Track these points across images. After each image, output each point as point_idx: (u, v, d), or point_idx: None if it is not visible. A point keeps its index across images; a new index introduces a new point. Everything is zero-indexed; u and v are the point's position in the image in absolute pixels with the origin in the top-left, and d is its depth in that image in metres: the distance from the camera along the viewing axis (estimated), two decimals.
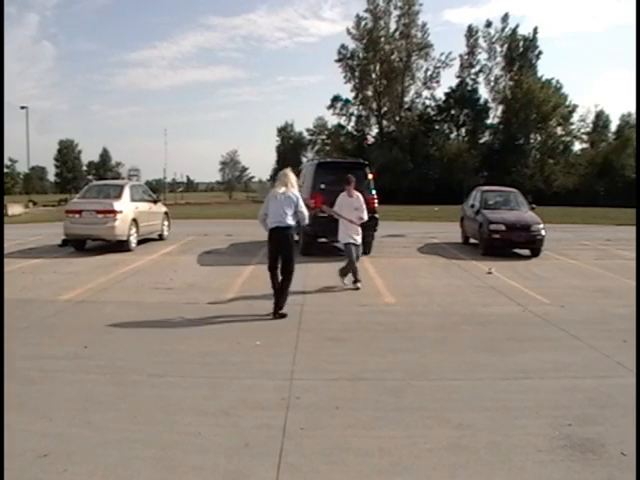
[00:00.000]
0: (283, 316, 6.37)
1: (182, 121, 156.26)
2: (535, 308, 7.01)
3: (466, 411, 3.80)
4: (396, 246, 13.67)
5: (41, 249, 12.65)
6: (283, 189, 6.53)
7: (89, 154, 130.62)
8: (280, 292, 6.45)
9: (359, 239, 8.32)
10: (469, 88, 55.51)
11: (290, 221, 6.45)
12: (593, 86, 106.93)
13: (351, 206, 8.25)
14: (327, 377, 4.48)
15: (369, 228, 11.40)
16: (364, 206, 8.37)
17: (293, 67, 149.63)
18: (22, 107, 43.87)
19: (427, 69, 56.00)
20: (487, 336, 5.76)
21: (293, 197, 6.52)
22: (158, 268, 10.09)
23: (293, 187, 6.61)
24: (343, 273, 8.27)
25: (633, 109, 49.67)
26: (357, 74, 56.26)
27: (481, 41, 54.80)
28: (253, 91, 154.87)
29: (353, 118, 57.97)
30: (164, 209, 14.77)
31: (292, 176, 6.69)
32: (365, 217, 8.35)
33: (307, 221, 6.85)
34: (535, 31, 53.82)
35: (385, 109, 57.35)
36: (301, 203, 6.60)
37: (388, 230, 15.12)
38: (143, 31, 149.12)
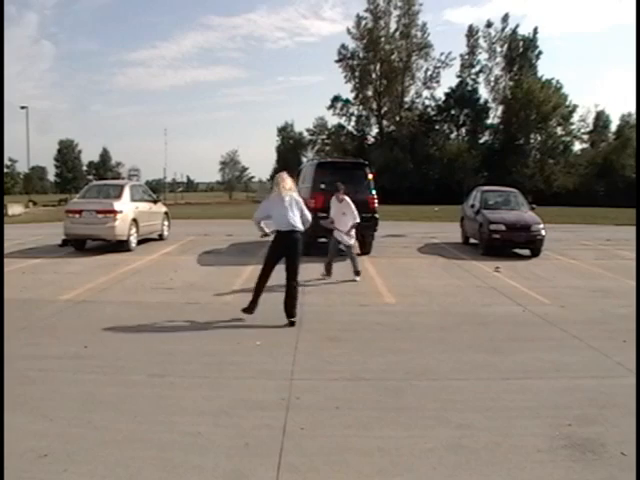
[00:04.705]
0: (293, 324, 6.05)
1: (182, 121, 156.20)
2: (535, 308, 7.01)
3: (466, 411, 3.80)
4: (396, 246, 13.67)
5: (41, 249, 12.64)
6: (289, 193, 6.36)
7: (89, 154, 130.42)
8: (291, 298, 6.15)
9: (347, 239, 8.96)
10: (469, 88, 55.52)
11: (300, 225, 6.26)
12: (593, 86, 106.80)
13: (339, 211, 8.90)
14: (327, 377, 4.48)
15: (369, 228, 11.41)
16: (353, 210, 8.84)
17: (293, 67, 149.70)
18: (22, 107, 43.87)
19: (427, 69, 56.14)
20: (487, 336, 5.76)
21: (300, 200, 6.43)
22: (158, 268, 10.09)
23: (294, 191, 6.52)
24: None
25: (633, 109, 49.74)
26: (357, 74, 56.27)
27: (481, 41, 54.93)
28: (253, 91, 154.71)
29: (353, 118, 58.07)
30: (164, 209, 14.77)
31: (290, 179, 6.55)
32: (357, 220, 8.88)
33: (310, 223, 6.63)
34: (535, 31, 53.97)
35: (385, 109, 57.36)
36: (304, 206, 6.47)
37: (388, 230, 15.13)
38: (143, 31, 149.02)
